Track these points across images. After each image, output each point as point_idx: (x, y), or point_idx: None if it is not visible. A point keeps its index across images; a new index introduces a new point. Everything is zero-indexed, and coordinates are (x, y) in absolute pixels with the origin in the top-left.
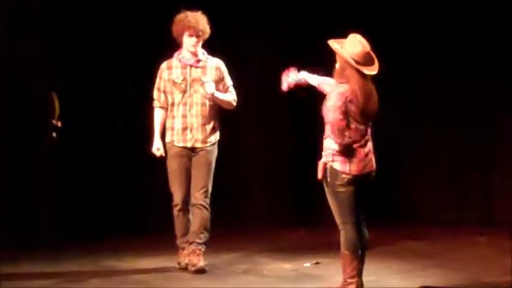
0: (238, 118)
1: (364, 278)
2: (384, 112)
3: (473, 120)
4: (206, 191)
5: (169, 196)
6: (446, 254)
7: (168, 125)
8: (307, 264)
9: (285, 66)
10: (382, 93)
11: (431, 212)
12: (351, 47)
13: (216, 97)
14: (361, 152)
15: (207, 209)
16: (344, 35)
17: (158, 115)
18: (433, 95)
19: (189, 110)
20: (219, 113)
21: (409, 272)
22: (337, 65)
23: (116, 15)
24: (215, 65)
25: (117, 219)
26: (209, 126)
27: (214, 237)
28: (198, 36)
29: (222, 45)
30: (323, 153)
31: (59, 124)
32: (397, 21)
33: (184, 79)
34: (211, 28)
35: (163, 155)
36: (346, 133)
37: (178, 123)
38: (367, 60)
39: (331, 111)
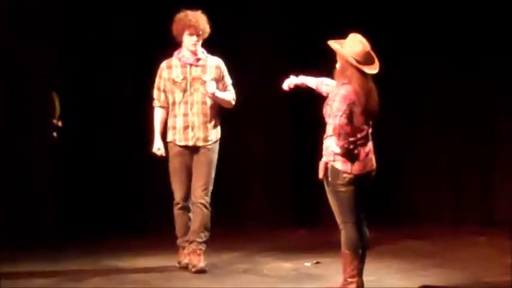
0: (238, 118)
1: (365, 278)
2: (384, 112)
3: (473, 120)
4: (207, 190)
5: (169, 195)
6: (446, 253)
7: (169, 124)
8: (308, 264)
9: (285, 66)
10: (382, 93)
11: (431, 211)
12: (351, 46)
13: (217, 96)
14: (362, 151)
15: (207, 208)
16: (344, 35)
17: (158, 115)
18: (433, 95)
19: (190, 109)
20: (219, 111)
21: (409, 272)
22: (338, 65)
23: (116, 15)
24: (215, 64)
25: (117, 219)
26: (210, 125)
27: (215, 237)
28: (198, 35)
29: (222, 45)
30: (324, 152)
31: (60, 124)
32: (397, 21)
33: (185, 78)
34: (211, 27)
35: (164, 154)
36: (350, 138)
37: (179, 122)
38: (367, 60)
39: (337, 115)
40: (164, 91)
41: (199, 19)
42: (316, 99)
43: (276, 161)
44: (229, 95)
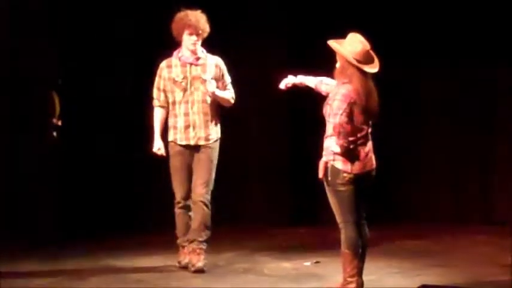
0: (237, 119)
1: (365, 277)
2: (383, 112)
3: (472, 120)
4: (207, 188)
5: (169, 195)
6: (446, 253)
7: (170, 124)
8: (308, 263)
9: (285, 66)
10: (381, 93)
11: (431, 212)
12: (350, 46)
13: (216, 95)
14: (362, 151)
15: (207, 206)
16: (343, 36)
17: (158, 114)
18: (433, 96)
19: (191, 108)
20: (219, 110)
21: (409, 271)
22: (338, 65)
23: (116, 15)
24: (214, 63)
25: (117, 219)
26: (211, 123)
27: (215, 236)
28: (198, 35)
29: (221, 46)
30: (324, 152)
31: (59, 123)
32: (397, 22)
33: (185, 77)
34: (210, 27)
35: (164, 154)
36: (350, 138)
37: (180, 122)
38: (367, 59)
39: (337, 114)
40: (164, 91)
41: (199, 19)
42: (316, 100)
43: (276, 161)
44: (229, 94)
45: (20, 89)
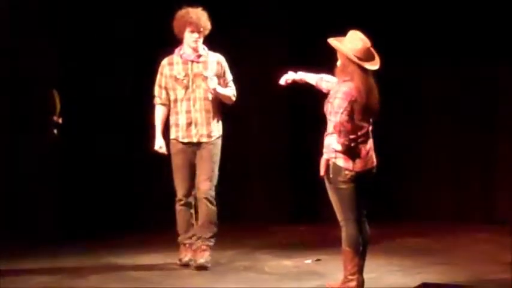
0: (238, 117)
1: (365, 275)
2: (385, 111)
3: (473, 118)
4: (211, 184)
5: (170, 193)
6: (447, 251)
7: (171, 121)
8: (308, 261)
9: (285, 64)
10: (382, 92)
11: (432, 209)
12: (351, 43)
13: (218, 92)
14: (363, 149)
15: (212, 203)
16: (344, 34)
17: (159, 112)
18: (433, 94)
19: (193, 105)
20: (221, 107)
21: (410, 269)
22: (339, 63)
23: (116, 15)
24: (216, 60)
25: (117, 218)
26: (213, 121)
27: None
28: (199, 32)
29: (223, 44)
30: (325, 150)
31: (60, 121)
32: (397, 21)
33: (186, 75)
34: (211, 25)
35: (166, 153)
36: (351, 136)
37: (182, 119)
38: (368, 56)
39: (338, 113)
40: (165, 88)
41: (200, 16)
42: (316, 97)
43: (276, 159)
44: (230, 91)
45: (20, 89)
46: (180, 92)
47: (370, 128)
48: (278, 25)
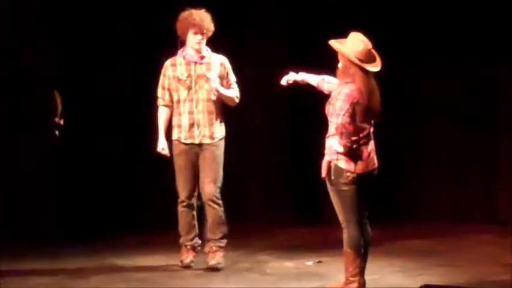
0: (239, 117)
1: (367, 277)
2: (385, 111)
3: (474, 118)
4: (215, 186)
5: (171, 194)
6: (448, 252)
7: (174, 122)
8: (310, 263)
9: (286, 65)
10: (382, 92)
11: (432, 209)
12: (352, 45)
13: (220, 93)
14: (365, 150)
15: (218, 204)
16: (344, 35)
17: (162, 114)
18: (433, 95)
19: (196, 106)
20: (223, 109)
21: (412, 271)
22: (340, 65)
23: (116, 15)
24: (219, 61)
25: (118, 217)
26: (215, 122)
27: None
28: (202, 34)
29: (223, 44)
30: (326, 151)
31: (61, 122)
32: (397, 21)
33: (189, 76)
34: (214, 26)
35: (168, 155)
36: (353, 138)
37: (185, 120)
38: (369, 58)
39: (339, 115)
40: (169, 89)
41: (203, 18)
42: (318, 98)
43: (277, 160)
44: (233, 92)
45: (20, 89)
46: (183, 93)
47: (372, 129)
48: (278, 25)
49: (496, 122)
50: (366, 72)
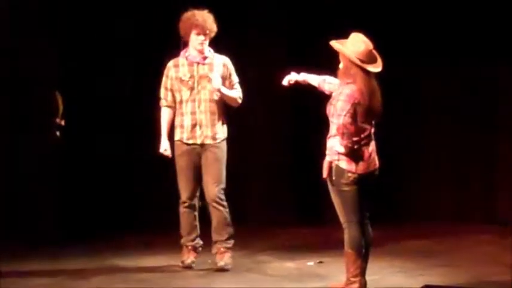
0: (241, 118)
1: (368, 277)
2: (384, 111)
3: (473, 119)
4: (219, 187)
5: (172, 194)
6: (449, 252)
7: (176, 123)
8: (311, 263)
9: (286, 65)
10: (382, 92)
11: (432, 210)
12: (353, 45)
13: (223, 92)
14: (366, 151)
15: (222, 205)
16: (344, 35)
17: (165, 114)
18: (433, 95)
19: (198, 107)
20: (226, 109)
21: (413, 271)
22: (341, 65)
23: (116, 15)
24: (222, 62)
25: (118, 217)
26: (218, 123)
27: None
28: (205, 35)
29: (222, 44)
30: (327, 152)
31: (63, 122)
32: (397, 21)
33: (192, 76)
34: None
35: (170, 156)
36: (354, 138)
37: (187, 120)
38: (370, 58)
39: (340, 115)
40: (171, 90)
41: (206, 18)
42: (319, 98)
43: (279, 160)
44: (236, 93)
45: (20, 89)
46: (185, 93)
47: (373, 130)
48: (277, 25)
49: (496, 122)
50: (367, 72)
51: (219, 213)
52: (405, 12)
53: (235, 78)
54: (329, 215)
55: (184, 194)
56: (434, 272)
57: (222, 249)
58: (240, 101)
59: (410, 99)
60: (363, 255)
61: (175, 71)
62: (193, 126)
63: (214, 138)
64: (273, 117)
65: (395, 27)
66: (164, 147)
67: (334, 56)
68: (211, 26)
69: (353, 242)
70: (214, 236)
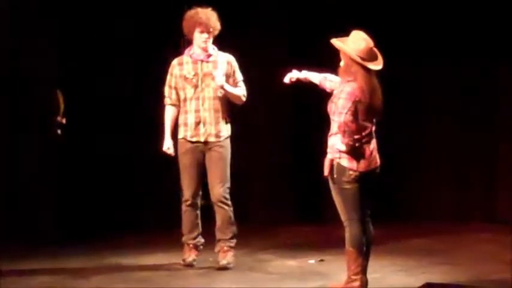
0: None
1: (369, 275)
2: (385, 111)
3: (474, 118)
4: (224, 187)
5: (173, 193)
6: (450, 251)
7: (180, 121)
8: (312, 261)
9: (287, 64)
10: (383, 91)
11: (432, 209)
12: (354, 43)
13: (226, 90)
14: (367, 149)
15: (227, 204)
16: (345, 35)
17: (169, 113)
18: (433, 94)
19: (202, 105)
20: (230, 107)
21: (414, 269)
22: (342, 63)
23: (116, 15)
24: (226, 60)
25: (118, 217)
26: (222, 120)
27: None
28: (209, 33)
29: (223, 43)
30: (329, 150)
31: (64, 121)
32: (398, 20)
33: (196, 74)
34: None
35: (173, 154)
36: (355, 136)
37: (191, 118)
38: (371, 56)
39: (342, 113)
40: (175, 88)
41: (209, 16)
42: (320, 96)
43: (280, 158)
44: (240, 91)
45: (20, 89)
46: (190, 91)
47: (374, 128)
48: (278, 25)
49: (496, 122)
50: (367, 70)
51: (224, 212)
52: (406, 12)
53: (239, 76)
54: (330, 213)
55: (187, 192)
56: (435, 270)
57: (225, 247)
58: (244, 98)
59: (410, 99)
60: (364, 253)
61: (180, 69)
62: (197, 124)
63: (217, 136)
64: (274, 116)
65: (396, 27)
66: (167, 146)
67: (335, 55)
68: (215, 24)
69: (354, 240)
70: (218, 235)
